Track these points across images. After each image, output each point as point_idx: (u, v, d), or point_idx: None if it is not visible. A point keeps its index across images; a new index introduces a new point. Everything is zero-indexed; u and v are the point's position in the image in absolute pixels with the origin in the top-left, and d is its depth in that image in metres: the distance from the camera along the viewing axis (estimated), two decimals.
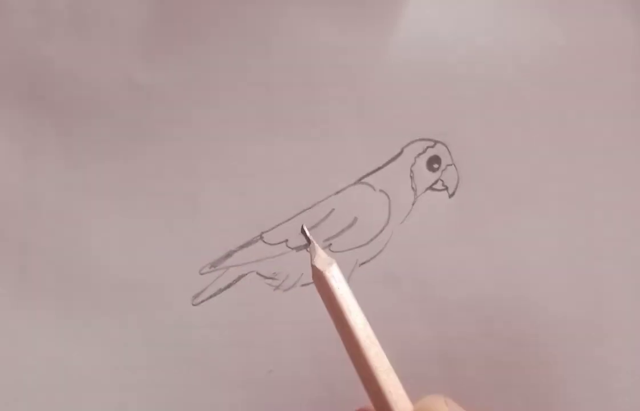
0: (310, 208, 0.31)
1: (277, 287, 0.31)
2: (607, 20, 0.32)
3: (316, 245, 0.25)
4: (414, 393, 0.28)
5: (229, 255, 0.31)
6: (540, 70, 0.32)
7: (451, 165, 0.32)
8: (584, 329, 0.31)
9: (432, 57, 0.32)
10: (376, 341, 0.23)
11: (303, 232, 0.25)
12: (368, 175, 0.31)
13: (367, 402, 0.28)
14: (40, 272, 0.31)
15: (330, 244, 0.31)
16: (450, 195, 0.32)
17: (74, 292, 0.31)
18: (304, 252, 0.31)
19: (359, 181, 0.31)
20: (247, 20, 0.31)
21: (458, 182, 0.32)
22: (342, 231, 0.31)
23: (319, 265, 0.24)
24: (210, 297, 0.31)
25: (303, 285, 0.31)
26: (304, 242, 0.31)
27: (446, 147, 0.32)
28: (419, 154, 0.31)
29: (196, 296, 0.31)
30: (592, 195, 0.32)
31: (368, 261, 0.31)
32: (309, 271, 0.31)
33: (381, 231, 0.31)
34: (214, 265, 0.31)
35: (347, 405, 0.31)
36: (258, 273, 0.31)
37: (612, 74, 0.32)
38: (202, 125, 0.31)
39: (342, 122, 0.31)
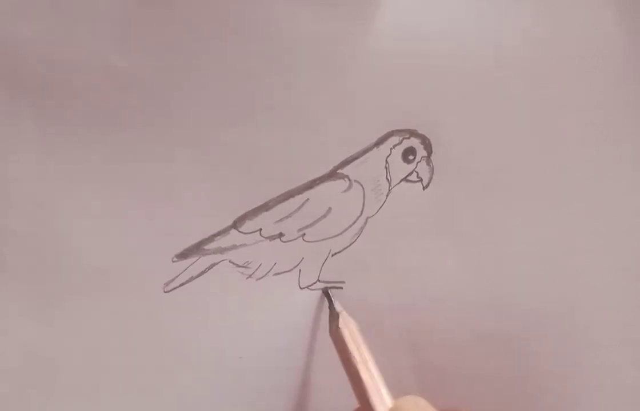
0: (285, 197, 0.31)
1: (249, 276, 0.31)
2: (589, 14, 0.32)
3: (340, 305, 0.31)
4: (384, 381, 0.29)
5: (201, 242, 0.31)
6: (520, 64, 0.32)
7: (426, 157, 0.32)
8: (556, 323, 0.32)
9: (411, 48, 0.31)
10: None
11: (326, 293, 0.31)
12: (343, 165, 0.31)
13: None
14: (12, 256, 0.30)
15: (304, 234, 0.31)
16: (425, 187, 0.32)
17: (46, 277, 0.30)
18: (277, 242, 0.31)
19: (335, 171, 0.31)
20: (228, 7, 0.30)
21: (432, 175, 0.32)
22: (316, 221, 0.31)
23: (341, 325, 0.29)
24: (182, 284, 0.31)
25: (276, 275, 0.31)
26: (278, 231, 0.31)
27: (422, 139, 0.32)
28: (395, 145, 0.31)
29: (168, 283, 0.31)
30: (568, 190, 0.32)
31: (341, 251, 0.31)
32: (282, 261, 0.31)
33: (355, 222, 0.31)
34: (186, 252, 0.31)
35: (317, 392, 0.31)
36: (231, 262, 0.31)
37: (592, 69, 0.32)
38: (178, 112, 0.31)
39: (320, 111, 0.31)
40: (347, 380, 0.28)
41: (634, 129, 0.32)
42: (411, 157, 0.32)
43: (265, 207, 0.31)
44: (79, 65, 0.30)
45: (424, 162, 0.32)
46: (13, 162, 0.31)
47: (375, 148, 0.31)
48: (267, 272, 0.31)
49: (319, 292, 0.31)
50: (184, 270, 0.31)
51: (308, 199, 0.31)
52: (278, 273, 0.31)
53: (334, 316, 0.30)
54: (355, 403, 0.27)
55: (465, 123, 0.32)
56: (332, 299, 0.31)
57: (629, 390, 0.32)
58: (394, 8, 0.31)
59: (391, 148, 0.32)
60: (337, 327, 0.29)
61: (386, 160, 0.32)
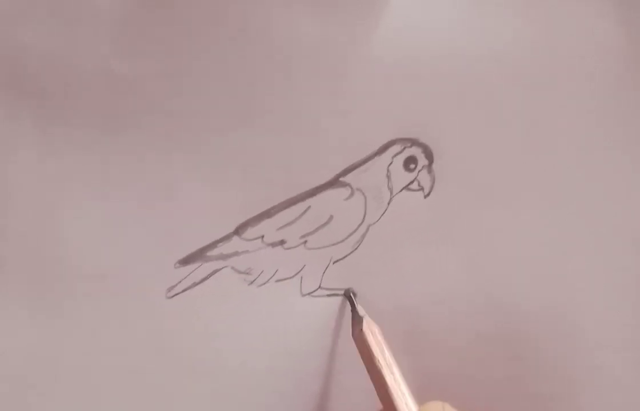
0: (287, 205, 0.31)
1: (251, 282, 0.31)
2: (584, 19, 0.32)
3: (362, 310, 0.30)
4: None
5: (204, 249, 0.31)
6: (522, 73, 0.32)
7: (427, 166, 0.32)
8: (556, 324, 0.32)
9: (413, 56, 0.31)
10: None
11: (349, 297, 0.31)
12: (345, 173, 0.31)
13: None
14: (14, 259, 0.30)
15: (306, 241, 0.31)
16: (426, 196, 0.32)
17: (46, 278, 0.30)
18: (279, 248, 0.31)
19: (337, 179, 0.31)
20: (228, 12, 0.30)
21: (434, 184, 0.32)
22: (318, 228, 0.31)
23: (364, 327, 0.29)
24: (185, 290, 0.31)
25: (277, 281, 0.31)
26: (280, 238, 0.31)
27: (423, 148, 0.32)
28: (397, 154, 0.32)
29: (170, 289, 0.31)
30: (567, 193, 0.32)
31: (342, 258, 0.32)
32: (284, 268, 0.31)
33: (356, 229, 0.32)
34: (188, 259, 0.31)
35: (317, 398, 0.31)
36: (233, 268, 0.31)
37: (591, 71, 0.32)
38: (179, 116, 0.31)
39: (321, 118, 0.31)
40: (350, 383, 0.29)
41: (634, 130, 0.32)
42: (412, 166, 0.32)
43: (268, 214, 0.31)
44: (79, 68, 0.30)
45: (425, 171, 0.32)
46: (13, 162, 0.31)
47: (377, 157, 0.32)
48: (269, 279, 0.31)
49: (321, 299, 0.31)
50: (186, 276, 0.31)
51: (310, 206, 0.31)
52: (280, 280, 0.31)
53: (357, 319, 0.30)
54: (366, 408, 0.28)
55: (467, 132, 0.32)
56: (355, 303, 0.31)
57: (629, 390, 0.32)
58: (396, 15, 0.32)
59: (393, 157, 0.32)
60: (361, 330, 0.29)
61: (388, 169, 0.32)
